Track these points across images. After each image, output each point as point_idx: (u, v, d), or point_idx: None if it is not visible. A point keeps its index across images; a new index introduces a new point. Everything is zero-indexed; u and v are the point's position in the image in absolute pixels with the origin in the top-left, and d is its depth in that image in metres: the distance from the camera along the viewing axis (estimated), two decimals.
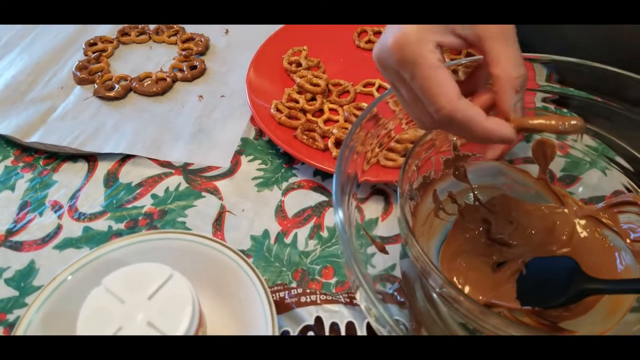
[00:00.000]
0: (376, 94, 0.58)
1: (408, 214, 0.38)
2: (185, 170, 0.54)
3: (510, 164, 0.47)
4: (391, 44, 0.32)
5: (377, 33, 0.66)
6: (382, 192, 0.49)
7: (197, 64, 0.64)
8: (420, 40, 0.31)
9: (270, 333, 0.35)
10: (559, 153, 0.45)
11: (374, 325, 0.30)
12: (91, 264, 0.40)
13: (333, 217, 0.48)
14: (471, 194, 0.44)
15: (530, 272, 0.39)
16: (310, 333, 0.37)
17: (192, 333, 0.32)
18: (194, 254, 0.40)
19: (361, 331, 0.37)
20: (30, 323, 0.37)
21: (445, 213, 0.44)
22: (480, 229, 0.43)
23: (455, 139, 0.43)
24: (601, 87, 0.43)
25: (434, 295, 0.38)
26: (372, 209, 0.48)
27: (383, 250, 0.40)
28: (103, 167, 0.54)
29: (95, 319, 0.32)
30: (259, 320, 0.36)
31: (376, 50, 0.34)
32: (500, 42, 0.32)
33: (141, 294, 0.33)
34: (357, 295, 0.32)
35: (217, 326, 0.39)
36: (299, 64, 0.62)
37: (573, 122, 0.31)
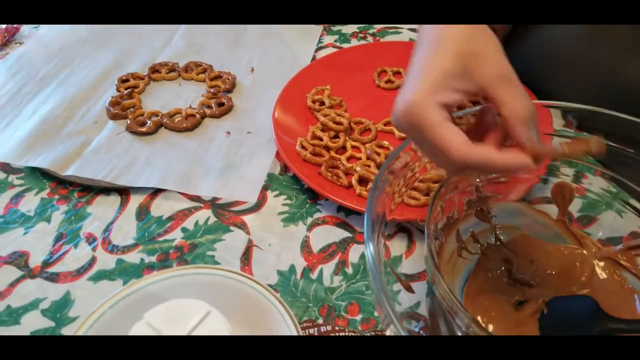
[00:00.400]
0: (397, 133, 0.60)
1: (434, 254, 0.40)
2: (213, 204, 0.56)
3: (529, 204, 0.49)
4: (400, 114, 0.35)
5: (397, 73, 0.69)
6: (405, 229, 0.51)
7: (225, 101, 0.67)
8: (422, 106, 0.34)
9: None
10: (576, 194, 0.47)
11: None
12: (128, 297, 0.42)
13: (357, 254, 0.50)
14: (493, 234, 0.46)
15: (552, 311, 0.40)
16: None
17: None
18: (226, 289, 0.42)
19: None
20: None
21: (467, 252, 0.45)
22: (502, 268, 0.45)
23: (477, 180, 0.45)
24: (616, 133, 0.45)
25: (459, 333, 0.39)
26: (397, 246, 0.49)
27: (409, 289, 0.41)
28: (135, 200, 0.57)
29: None
30: None
31: (392, 118, 0.37)
32: (501, 86, 0.35)
33: (181, 329, 0.35)
34: (388, 332, 0.33)
35: None
36: (322, 103, 0.64)
37: (586, 144, 0.34)
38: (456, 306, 0.35)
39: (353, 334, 0.40)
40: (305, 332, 0.41)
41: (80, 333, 0.39)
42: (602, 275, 0.44)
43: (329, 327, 0.41)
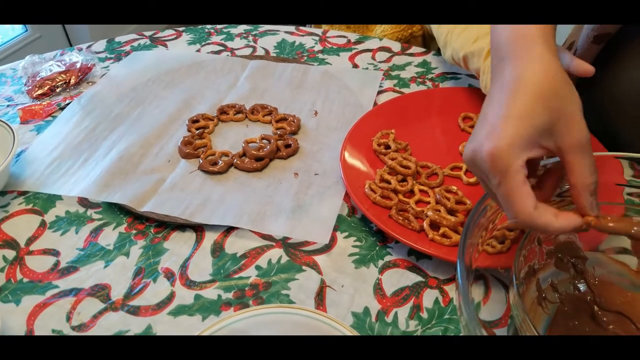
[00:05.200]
0: (464, 178, 0.61)
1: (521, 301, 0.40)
2: (285, 243, 0.57)
3: (605, 254, 0.49)
4: (486, 154, 0.37)
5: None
6: (481, 277, 0.51)
7: (291, 143, 0.70)
8: (511, 155, 0.36)
9: None
10: None
11: None
12: (218, 332, 0.43)
13: (431, 299, 0.51)
14: (571, 284, 0.46)
15: None
16: None
17: None
18: (311, 329, 0.43)
19: None
20: None
21: (547, 302, 0.45)
22: (583, 317, 0.44)
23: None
24: None
25: None
26: (475, 293, 0.50)
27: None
28: (210, 238, 0.59)
29: None
30: None
31: (469, 153, 0.39)
32: (578, 155, 0.37)
33: None
34: None
35: None
36: (387, 146, 0.66)
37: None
38: None
39: None
40: None
41: None
42: None
43: None
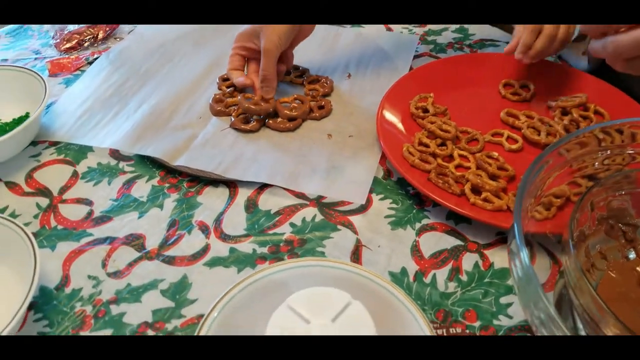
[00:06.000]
0: (506, 145, 0.60)
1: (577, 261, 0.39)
2: (319, 202, 0.57)
3: None
4: None
5: (524, 87, 0.68)
6: (528, 243, 0.50)
7: (324, 104, 0.68)
8: None
9: None
10: None
11: None
12: (256, 283, 0.43)
13: (471, 262, 0.50)
14: (620, 252, 0.45)
15: None
16: None
17: None
18: (352, 283, 0.42)
19: None
20: (207, 332, 0.39)
21: (595, 268, 0.44)
22: (630, 284, 0.43)
23: (610, 199, 0.44)
24: None
25: None
26: None
27: None
28: (243, 194, 0.58)
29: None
30: None
31: None
32: None
33: (325, 315, 0.35)
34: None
35: None
36: (425, 110, 0.65)
37: None
38: (604, 309, 0.34)
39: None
40: (435, 332, 0.40)
41: (214, 314, 0.40)
42: None
43: (458, 330, 0.40)
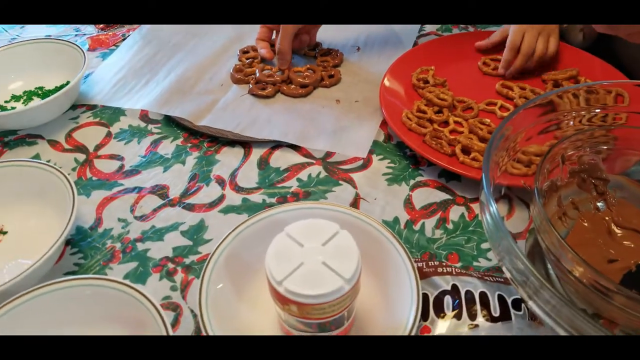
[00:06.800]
0: (498, 112, 0.64)
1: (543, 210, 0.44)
2: (324, 161, 0.62)
3: (629, 178, 0.51)
4: None
5: (497, 60, 0.73)
6: (506, 197, 0.55)
7: (334, 73, 0.74)
8: None
9: (415, 295, 0.42)
10: None
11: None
12: (262, 221, 0.49)
13: (457, 214, 0.55)
14: (592, 204, 0.49)
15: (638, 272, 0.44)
16: (447, 297, 0.43)
17: (356, 279, 0.40)
18: (345, 223, 0.48)
19: (493, 301, 0.43)
20: (217, 260, 0.46)
21: (567, 217, 0.49)
22: (599, 231, 0.48)
23: (581, 154, 0.49)
24: None
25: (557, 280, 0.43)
26: (500, 209, 0.53)
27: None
28: (256, 153, 0.64)
29: (281, 256, 0.40)
30: (403, 284, 0.43)
31: None
32: None
33: (316, 241, 0.41)
34: (505, 266, 0.38)
35: (365, 287, 0.46)
36: (426, 81, 0.69)
37: None
38: (566, 248, 0.39)
39: (460, 270, 0.45)
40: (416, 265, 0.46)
41: (224, 245, 0.47)
42: None
43: (436, 262, 0.46)
